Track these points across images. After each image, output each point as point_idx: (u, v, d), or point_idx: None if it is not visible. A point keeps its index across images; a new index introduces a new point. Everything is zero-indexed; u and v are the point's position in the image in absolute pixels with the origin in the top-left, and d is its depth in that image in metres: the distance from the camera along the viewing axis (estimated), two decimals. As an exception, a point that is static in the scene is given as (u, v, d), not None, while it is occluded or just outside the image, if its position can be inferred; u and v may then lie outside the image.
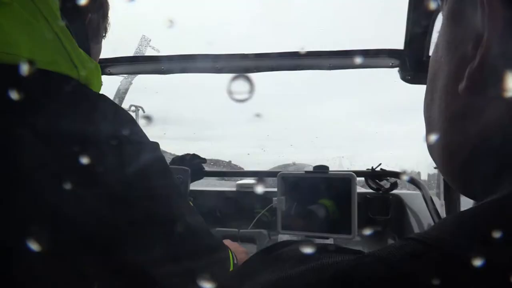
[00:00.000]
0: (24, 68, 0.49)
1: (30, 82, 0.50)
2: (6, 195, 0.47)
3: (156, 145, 0.63)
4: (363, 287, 0.22)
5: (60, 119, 0.51)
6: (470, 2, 0.29)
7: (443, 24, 0.34)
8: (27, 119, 0.49)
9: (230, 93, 0.37)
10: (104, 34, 0.82)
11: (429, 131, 0.37)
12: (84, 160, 0.49)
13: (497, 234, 0.21)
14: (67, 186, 0.48)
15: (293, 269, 0.25)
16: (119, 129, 0.56)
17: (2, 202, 0.47)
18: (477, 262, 0.20)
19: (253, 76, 1.41)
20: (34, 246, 0.44)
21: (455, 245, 0.22)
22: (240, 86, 0.38)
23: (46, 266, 0.48)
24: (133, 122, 0.60)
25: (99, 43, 0.81)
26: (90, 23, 0.73)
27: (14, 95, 0.47)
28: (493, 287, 0.20)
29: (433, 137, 0.35)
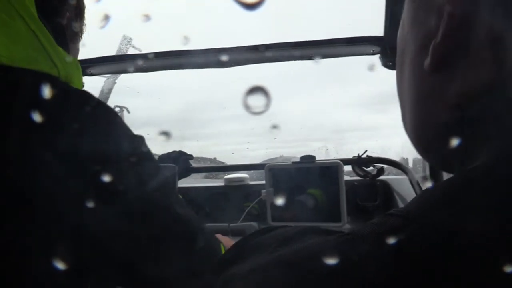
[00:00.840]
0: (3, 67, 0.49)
1: (8, 81, 0.50)
2: (26, 215, 0.47)
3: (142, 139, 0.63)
4: (346, 266, 0.22)
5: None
6: None
7: (407, 2, 0.34)
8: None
9: (247, 107, 0.37)
10: (81, 35, 0.82)
11: (402, 108, 0.37)
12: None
13: (464, 203, 0.22)
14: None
15: (272, 255, 0.26)
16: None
17: (23, 222, 0.47)
18: (448, 231, 0.21)
19: (233, 70, 1.41)
20: (57, 264, 0.45)
21: (430, 217, 0.23)
22: (257, 99, 0.38)
23: (69, 283, 0.49)
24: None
25: (76, 43, 0.81)
26: (68, 23, 0.72)
27: None
28: (463, 251, 0.21)
29: (406, 114, 0.36)
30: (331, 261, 0.22)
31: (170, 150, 1.50)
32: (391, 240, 0.22)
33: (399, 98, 0.38)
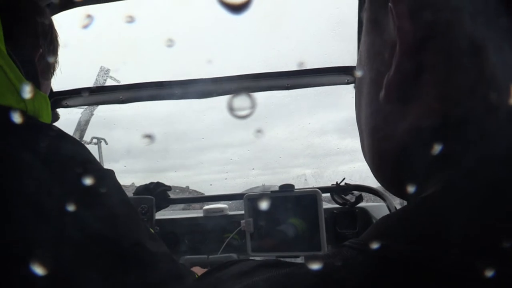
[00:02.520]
0: None
1: None
2: (8, 219, 0.46)
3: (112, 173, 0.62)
4: None
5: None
6: (385, 12, 0.30)
7: (364, 31, 0.35)
8: None
9: (232, 110, 0.36)
10: (53, 71, 0.81)
11: (361, 137, 0.38)
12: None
13: (416, 233, 0.23)
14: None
15: None
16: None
17: (4, 225, 0.46)
18: (399, 261, 0.22)
19: (210, 100, 1.42)
20: (37, 268, 0.43)
21: (381, 247, 0.23)
22: (242, 102, 0.38)
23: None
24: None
25: (48, 80, 0.80)
26: (40, 59, 0.72)
27: None
28: (413, 282, 0.21)
29: (365, 143, 0.36)
30: None
31: (148, 182, 1.48)
32: (338, 273, 0.23)
33: (358, 127, 0.39)
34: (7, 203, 0.47)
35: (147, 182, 1.50)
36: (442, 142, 0.27)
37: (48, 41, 0.76)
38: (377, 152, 0.34)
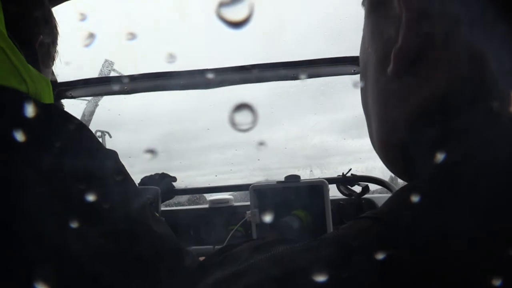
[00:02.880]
0: None
1: None
2: (9, 235, 0.45)
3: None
4: (314, 268, 0.22)
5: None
6: None
7: (365, 16, 0.35)
8: None
9: (233, 125, 0.37)
10: (53, 60, 0.81)
11: (368, 124, 0.38)
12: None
13: (431, 203, 0.23)
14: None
15: (245, 263, 0.25)
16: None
17: (5, 242, 0.45)
18: (408, 228, 0.23)
19: (213, 98, 1.41)
20: (38, 286, 0.42)
21: (394, 217, 0.24)
22: (243, 116, 0.38)
23: None
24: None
25: (49, 67, 0.80)
26: (41, 46, 0.72)
27: None
28: (429, 249, 0.21)
29: (373, 129, 0.36)
30: (304, 267, 0.23)
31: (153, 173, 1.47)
32: (357, 241, 0.23)
33: (365, 115, 0.39)
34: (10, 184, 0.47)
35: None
36: (449, 118, 0.27)
37: (48, 28, 0.76)
38: (385, 132, 0.34)
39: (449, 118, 0.28)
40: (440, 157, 0.27)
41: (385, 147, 0.35)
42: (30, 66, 0.57)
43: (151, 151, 0.64)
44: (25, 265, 0.46)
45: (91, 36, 0.71)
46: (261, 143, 0.58)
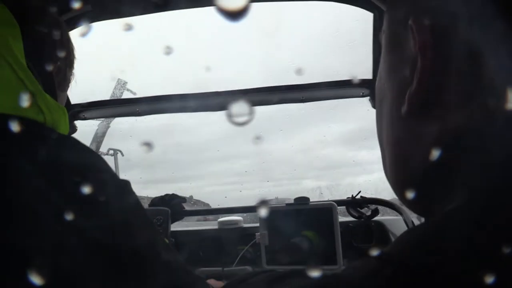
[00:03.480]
0: None
1: None
2: (5, 228, 0.46)
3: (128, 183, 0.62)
4: None
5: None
6: (404, 30, 0.31)
7: (383, 52, 0.36)
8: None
9: (230, 116, 0.37)
10: (69, 83, 0.83)
11: (382, 155, 0.38)
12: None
13: (440, 247, 0.23)
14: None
15: None
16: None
17: (1, 235, 0.46)
18: (422, 272, 0.22)
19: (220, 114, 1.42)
20: (35, 279, 0.43)
21: (406, 260, 0.24)
22: (240, 108, 0.38)
23: None
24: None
25: (65, 91, 0.82)
26: (58, 71, 0.74)
27: None
28: None
29: (386, 160, 0.36)
30: None
31: (163, 193, 1.49)
32: (366, 284, 0.23)
33: (379, 145, 0.39)
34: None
35: (162, 193, 1.51)
36: (471, 152, 0.27)
37: (66, 54, 0.77)
38: (399, 166, 0.35)
39: (456, 157, 0.28)
40: (446, 198, 0.28)
41: (398, 184, 0.36)
42: (48, 96, 0.58)
43: (148, 144, 0.65)
44: (21, 257, 0.46)
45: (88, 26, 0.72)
46: (258, 137, 0.58)
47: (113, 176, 0.61)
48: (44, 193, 0.50)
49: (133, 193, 0.62)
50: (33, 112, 0.55)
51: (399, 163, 0.34)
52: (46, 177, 0.51)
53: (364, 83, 1.37)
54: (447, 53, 0.28)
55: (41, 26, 0.71)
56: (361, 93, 1.40)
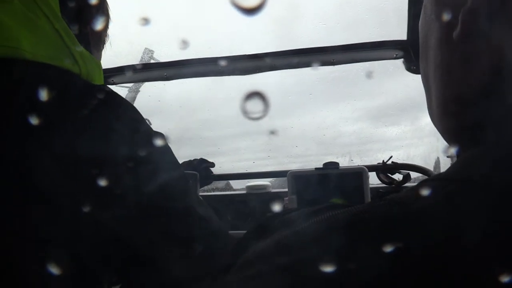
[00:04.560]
0: (25, 62, 0.50)
1: (32, 76, 0.50)
2: (25, 216, 0.47)
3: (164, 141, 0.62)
4: (379, 225, 0.23)
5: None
6: None
7: None
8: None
9: (245, 113, 0.37)
10: (103, 44, 0.83)
11: (428, 95, 0.37)
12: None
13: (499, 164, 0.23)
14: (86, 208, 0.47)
15: (305, 223, 0.25)
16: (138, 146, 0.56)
17: (20, 224, 0.46)
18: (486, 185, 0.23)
19: (254, 77, 1.40)
20: (52, 268, 0.44)
21: (457, 181, 0.24)
22: (254, 104, 0.38)
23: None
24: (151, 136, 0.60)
25: (100, 51, 0.82)
26: (93, 29, 0.73)
27: (14, 90, 0.48)
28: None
29: (433, 98, 0.35)
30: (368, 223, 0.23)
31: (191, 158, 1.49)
32: (420, 203, 0.23)
33: (424, 86, 0.38)
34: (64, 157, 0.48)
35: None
36: None
37: (100, 13, 0.77)
38: (447, 98, 0.33)
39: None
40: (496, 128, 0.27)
41: (444, 114, 0.34)
42: (83, 48, 0.58)
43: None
44: (39, 246, 0.47)
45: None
46: (272, 132, 0.57)
47: (148, 126, 0.61)
48: (82, 140, 0.50)
49: (167, 145, 0.62)
50: (69, 63, 0.56)
51: (447, 91, 0.33)
52: (84, 128, 0.51)
53: (398, 44, 1.31)
54: None
55: None
56: (395, 55, 1.35)
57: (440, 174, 0.26)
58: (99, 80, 0.61)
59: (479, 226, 0.20)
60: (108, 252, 0.52)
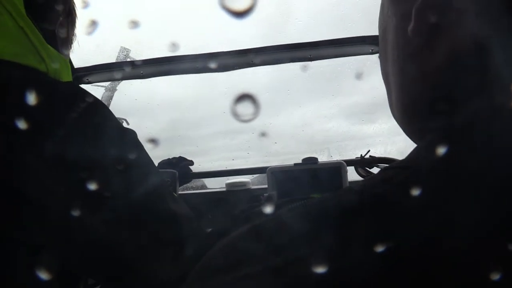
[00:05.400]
0: None
1: None
2: (14, 220, 0.45)
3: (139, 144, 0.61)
4: (338, 213, 0.24)
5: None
6: None
7: None
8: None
9: (236, 115, 0.37)
10: (71, 44, 0.81)
11: (388, 90, 0.38)
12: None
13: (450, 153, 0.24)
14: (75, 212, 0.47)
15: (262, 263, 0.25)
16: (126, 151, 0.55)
17: (9, 228, 0.45)
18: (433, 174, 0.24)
19: (226, 76, 1.40)
20: (41, 272, 0.43)
21: (418, 165, 0.26)
22: (245, 107, 0.38)
23: None
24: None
25: (67, 50, 0.80)
26: (60, 28, 0.72)
27: None
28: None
29: (392, 94, 0.36)
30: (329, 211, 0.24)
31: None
32: (379, 189, 0.25)
33: (384, 80, 0.39)
34: (33, 164, 0.47)
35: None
36: (474, 73, 0.27)
37: (67, 11, 0.75)
38: (406, 93, 0.34)
39: (462, 78, 0.28)
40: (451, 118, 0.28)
41: (404, 110, 0.35)
42: (50, 46, 0.57)
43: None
44: (28, 249, 0.46)
45: (94, 23, 0.71)
46: (263, 134, 0.57)
47: (118, 123, 0.59)
48: (46, 140, 0.49)
49: (139, 141, 0.61)
50: (35, 61, 0.54)
51: (405, 85, 0.34)
52: (50, 124, 0.50)
53: (373, 40, 1.33)
54: None
55: None
56: (371, 50, 1.36)
57: (399, 162, 0.27)
58: (67, 79, 0.59)
59: (425, 211, 0.22)
60: (98, 256, 0.51)
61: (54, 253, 0.47)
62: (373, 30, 1.32)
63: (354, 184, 0.28)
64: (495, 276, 0.19)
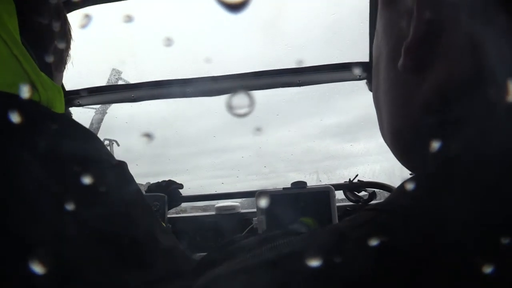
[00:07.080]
0: None
1: None
2: (6, 217, 0.45)
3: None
4: (315, 255, 0.23)
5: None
6: None
7: (379, 8, 0.36)
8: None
9: (230, 108, 0.37)
10: (65, 64, 0.82)
11: (379, 116, 0.38)
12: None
13: (432, 194, 0.24)
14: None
15: (256, 256, 0.25)
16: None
17: (2, 224, 0.45)
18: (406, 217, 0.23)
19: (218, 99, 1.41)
20: (36, 268, 0.42)
21: (399, 207, 0.25)
22: (240, 100, 0.38)
23: None
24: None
25: (61, 72, 0.81)
26: (55, 51, 0.72)
27: None
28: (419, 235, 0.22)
29: (383, 121, 0.36)
30: (315, 261, 0.23)
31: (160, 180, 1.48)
32: (355, 232, 0.24)
33: (375, 107, 0.39)
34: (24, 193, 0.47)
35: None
36: (450, 109, 0.27)
37: (62, 33, 0.76)
38: (397, 125, 0.35)
39: (450, 110, 0.28)
40: (441, 148, 0.28)
41: (395, 140, 0.36)
42: (43, 74, 0.57)
43: (148, 135, 0.64)
44: (22, 245, 0.46)
45: (87, 16, 0.71)
46: (258, 129, 0.57)
47: (109, 156, 0.60)
48: (38, 173, 0.49)
49: (130, 174, 0.61)
50: (27, 89, 0.54)
51: (397, 121, 0.34)
52: (41, 154, 0.50)
53: (360, 66, 1.36)
54: (443, 11, 0.27)
55: (37, 4, 0.69)
56: (358, 76, 1.39)
57: (377, 204, 0.27)
58: (60, 107, 0.60)
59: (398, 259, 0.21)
60: (93, 251, 0.51)
61: (48, 249, 0.47)
62: (360, 56, 1.34)
63: (352, 213, 0.27)
64: (488, 271, 0.19)
